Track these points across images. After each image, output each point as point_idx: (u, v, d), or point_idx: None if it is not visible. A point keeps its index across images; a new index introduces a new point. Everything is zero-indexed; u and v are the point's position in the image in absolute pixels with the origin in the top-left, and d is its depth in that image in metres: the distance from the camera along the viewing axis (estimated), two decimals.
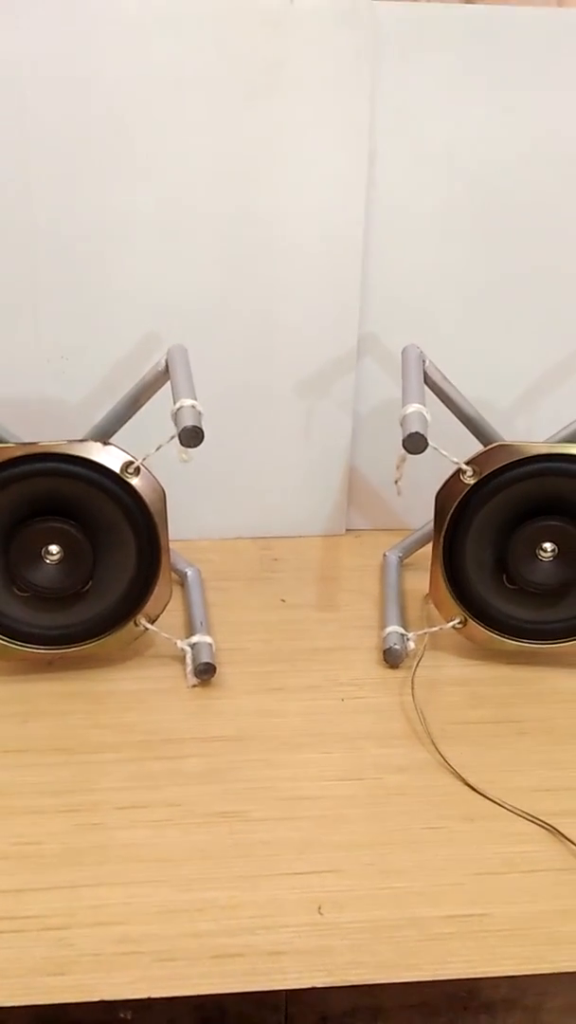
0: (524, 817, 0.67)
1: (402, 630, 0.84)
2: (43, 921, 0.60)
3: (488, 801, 0.69)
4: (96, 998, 0.55)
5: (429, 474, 0.79)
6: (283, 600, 0.93)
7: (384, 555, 0.98)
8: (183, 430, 0.71)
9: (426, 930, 0.59)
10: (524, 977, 0.57)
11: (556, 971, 0.57)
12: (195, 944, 0.58)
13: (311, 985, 0.56)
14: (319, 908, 0.60)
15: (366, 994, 0.57)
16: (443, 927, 0.59)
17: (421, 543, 0.97)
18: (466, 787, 0.70)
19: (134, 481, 0.76)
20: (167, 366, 0.80)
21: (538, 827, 0.67)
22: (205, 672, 0.80)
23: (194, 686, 0.80)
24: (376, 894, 0.62)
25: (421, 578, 0.85)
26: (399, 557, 0.97)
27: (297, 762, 0.72)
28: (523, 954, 0.58)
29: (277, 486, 1.02)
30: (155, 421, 0.78)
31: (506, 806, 0.68)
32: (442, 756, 0.72)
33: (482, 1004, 0.58)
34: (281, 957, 0.57)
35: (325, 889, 0.62)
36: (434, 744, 0.74)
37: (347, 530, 1.06)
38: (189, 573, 0.94)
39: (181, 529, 0.95)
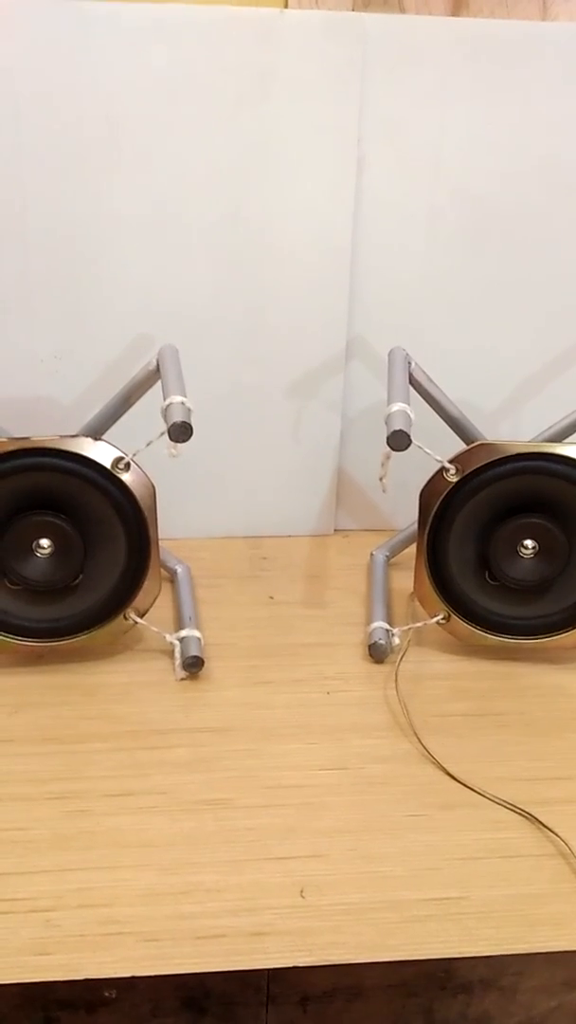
0: (503, 805, 0.69)
1: (387, 626, 0.86)
2: (31, 904, 0.61)
3: (468, 790, 0.70)
4: (81, 976, 0.57)
5: (416, 476, 0.81)
6: (271, 597, 0.95)
7: (371, 554, 1.00)
8: (172, 426, 0.73)
9: (405, 912, 0.60)
10: (500, 957, 0.58)
11: (531, 951, 0.58)
12: (179, 925, 0.59)
13: (292, 964, 0.57)
14: (301, 891, 0.62)
15: (346, 974, 0.58)
16: (422, 909, 0.61)
17: (408, 542, 0.98)
18: (447, 776, 0.71)
19: (125, 477, 0.78)
20: (158, 365, 0.82)
21: (517, 815, 0.68)
22: (193, 665, 0.81)
23: (182, 679, 0.81)
24: (357, 878, 0.63)
25: (407, 577, 0.87)
26: (386, 556, 0.99)
27: (282, 752, 0.74)
28: (499, 935, 0.59)
29: (267, 486, 1.04)
30: (147, 420, 0.80)
31: (486, 795, 0.70)
32: (424, 747, 0.74)
33: (459, 984, 0.59)
34: (263, 938, 0.59)
35: (307, 873, 0.63)
36: (416, 735, 0.75)
37: (335, 530, 1.07)
38: (179, 570, 0.96)
39: (172, 528, 0.97)
